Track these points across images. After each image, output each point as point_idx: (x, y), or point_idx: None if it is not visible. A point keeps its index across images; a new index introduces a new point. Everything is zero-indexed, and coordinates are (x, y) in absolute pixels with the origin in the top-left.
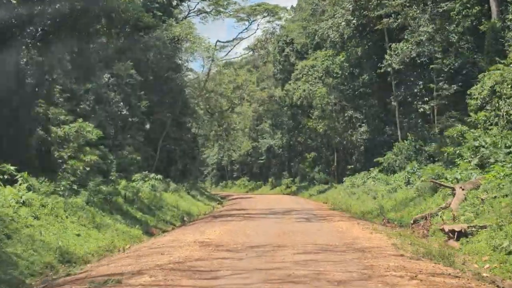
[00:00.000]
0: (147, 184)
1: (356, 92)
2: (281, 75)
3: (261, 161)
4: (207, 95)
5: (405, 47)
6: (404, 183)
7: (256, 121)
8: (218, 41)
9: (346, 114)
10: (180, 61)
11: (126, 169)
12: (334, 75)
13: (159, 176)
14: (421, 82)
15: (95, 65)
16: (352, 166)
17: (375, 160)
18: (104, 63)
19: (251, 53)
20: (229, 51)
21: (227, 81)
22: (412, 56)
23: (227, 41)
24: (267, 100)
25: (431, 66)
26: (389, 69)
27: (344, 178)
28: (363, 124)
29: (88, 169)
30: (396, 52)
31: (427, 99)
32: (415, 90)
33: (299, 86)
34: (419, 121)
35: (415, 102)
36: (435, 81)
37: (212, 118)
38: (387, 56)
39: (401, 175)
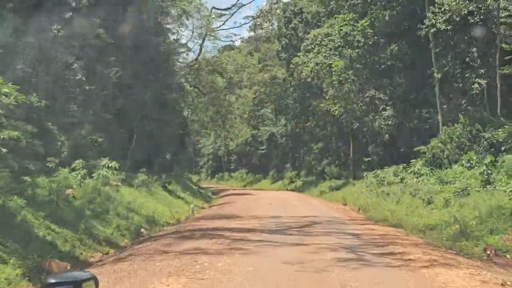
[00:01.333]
0: (97, 175)
1: (382, 67)
2: (286, 54)
3: (261, 151)
4: (200, 71)
5: (453, 2)
6: (481, 182)
7: (257, 106)
8: (214, 7)
9: (367, 95)
10: (168, 26)
11: (82, 154)
12: (355, 44)
13: (114, 164)
14: (474, 49)
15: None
16: (369, 159)
17: (415, 149)
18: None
19: (251, 23)
20: (227, 19)
21: (225, 62)
22: (464, 13)
23: (225, 8)
24: (270, 82)
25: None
26: (429, 32)
27: (365, 173)
28: (388, 107)
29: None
30: (442, 9)
31: (483, 71)
32: (467, 60)
33: (310, 59)
34: (467, 101)
35: (468, 75)
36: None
37: (205, 99)
38: (429, 15)
39: (462, 170)
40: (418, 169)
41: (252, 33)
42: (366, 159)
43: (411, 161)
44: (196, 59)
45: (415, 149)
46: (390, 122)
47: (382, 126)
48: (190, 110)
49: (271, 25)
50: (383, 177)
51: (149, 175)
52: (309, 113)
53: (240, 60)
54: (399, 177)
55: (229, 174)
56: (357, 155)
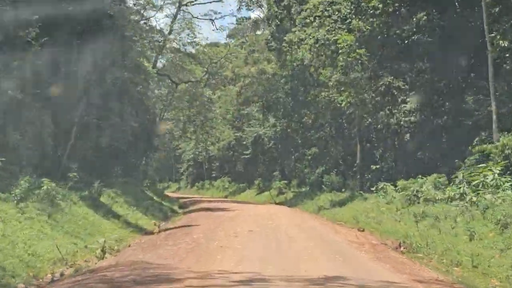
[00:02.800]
0: None
1: (404, 43)
2: (276, 42)
3: (246, 156)
4: (172, 53)
5: None
6: None
7: (242, 105)
8: None
9: (381, 82)
10: None
11: None
12: (370, 11)
13: None
14: None
15: None
16: (377, 166)
17: (473, 148)
18: None
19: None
20: None
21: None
22: None
23: None
24: (257, 78)
25: None
26: None
27: (381, 184)
28: (409, 99)
29: None
30: None
31: None
32: None
33: (309, 35)
34: None
35: None
36: None
37: (179, 92)
38: None
39: None
40: (492, 179)
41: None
42: (374, 167)
43: (482, 166)
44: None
45: (473, 148)
46: (412, 118)
47: (401, 122)
48: (162, 106)
49: (261, 8)
50: (417, 191)
51: (62, 183)
52: (304, 108)
53: (222, 53)
54: (450, 191)
55: (210, 182)
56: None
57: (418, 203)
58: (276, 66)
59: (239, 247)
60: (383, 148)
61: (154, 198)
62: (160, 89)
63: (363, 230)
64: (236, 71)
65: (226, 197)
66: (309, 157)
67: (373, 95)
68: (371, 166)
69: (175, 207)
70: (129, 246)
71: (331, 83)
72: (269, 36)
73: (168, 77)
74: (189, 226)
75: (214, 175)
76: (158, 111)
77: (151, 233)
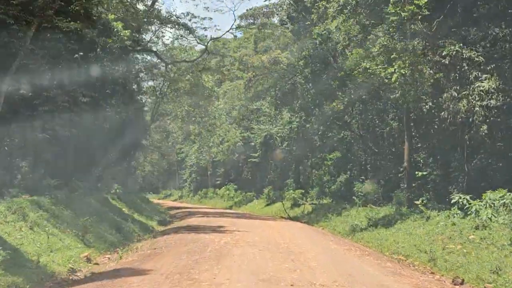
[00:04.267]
0: None
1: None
2: (294, 23)
3: (254, 160)
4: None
5: None
6: None
7: (250, 100)
8: None
9: (445, 52)
10: None
11: None
12: None
13: None
14: None
15: None
16: (426, 173)
17: None
18: None
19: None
20: None
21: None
22: None
23: None
24: (269, 68)
25: None
26: None
27: (458, 196)
28: (486, 75)
29: None
30: None
31: None
32: None
33: None
34: None
35: None
36: None
37: (174, 74)
38: None
39: None
40: None
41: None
42: (421, 173)
43: None
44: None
45: None
46: (492, 102)
47: (475, 108)
48: (154, 97)
49: None
50: None
51: None
52: (328, 99)
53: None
54: None
55: (214, 191)
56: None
57: None
58: (294, 47)
59: None
60: (447, 146)
61: (126, 211)
62: (147, 74)
63: (462, 283)
64: (245, 59)
65: (229, 208)
66: (330, 162)
67: (431, 71)
68: (423, 172)
69: (153, 223)
70: None
71: (376, 49)
72: (285, 17)
73: (156, 54)
74: (130, 272)
75: (218, 182)
76: (148, 102)
77: None
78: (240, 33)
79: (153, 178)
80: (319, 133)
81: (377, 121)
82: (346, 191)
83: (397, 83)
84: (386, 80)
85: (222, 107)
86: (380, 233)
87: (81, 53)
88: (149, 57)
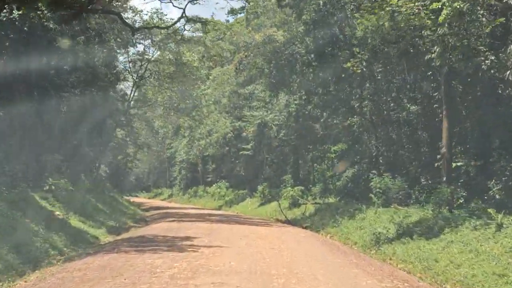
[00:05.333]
0: None
1: None
2: None
3: (247, 153)
4: None
5: None
6: None
7: (242, 86)
8: None
9: None
10: None
11: None
12: None
13: None
14: None
15: None
16: (461, 164)
17: None
18: None
19: None
20: None
21: None
22: None
23: None
24: (262, 48)
25: None
26: None
27: None
28: None
29: None
30: None
31: None
32: None
33: None
34: None
35: None
36: None
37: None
38: None
39: None
40: None
41: None
42: (458, 164)
43: None
44: None
45: None
46: None
47: None
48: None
49: None
50: None
51: None
52: (335, 74)
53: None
54: None
55: (204, 189)
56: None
57: None
58: (293, 19)
59: None
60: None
61: (59, 214)
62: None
63: None
64: (236, 39)
65: (220, 208)
66: (334, 155)
67: (483, 12)
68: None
69: (99, 232)
70: None
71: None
72: None
73: (119, 17)
74: None
75: (209, 179)
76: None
77: None
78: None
79: (144, 176)
80: (322, 119)
81: (391, 104)
82: (354, 187)
83: (445, 26)
84: (418, 20)
85: (210, 93)
86: (421, 247)
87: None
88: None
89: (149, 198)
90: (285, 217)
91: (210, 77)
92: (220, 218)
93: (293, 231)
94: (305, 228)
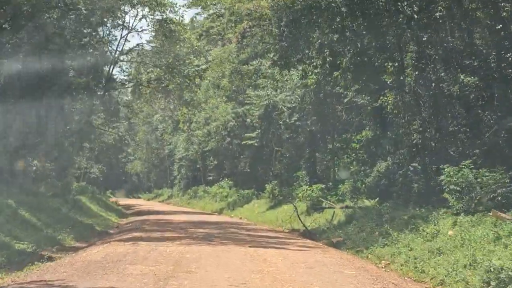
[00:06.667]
0: None
1: None
2: None
3: (252, 143)
4: None
5: None
6: None
7: (245, 63)
8: None
9: None
10: None
11: None
12: None
13: None
14: None
15: None
16: None
17: None
18: None
19: None
20: None
21: None
22: None
23: None
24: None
25: None
26: None
27: None
28: None
29: None
30: None
31: None
32: None
33: None
34: None
35: None
36: None
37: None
38: None
39: None
40: None
41: None
42: None
43: None
44: None
45: None
46: None
47: None
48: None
49: None
50: None
51: None
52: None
53: None
54: None
55: (205, 189)
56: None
57: None
58: None
59: None
60: None
61: None
62: None
63: None
64: (237, 8)
65: (220, 211)
66: (358, 145)
67: None
68: None
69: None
70: None
71: None
72: None
73: None
74: None
75: (210, 178)
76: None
77: None
78: None
79: (143, 176)
80: (345, 99)
81: (442, 74)
82: (389, 185)
83: None
84: None
85: (208, 75)
86: None
87: None
88: None
89: (148, 199)
90: (304, 226)
91: (209, 58)
92: (210, 231)
93: (328, 261)
94: (336, 244)
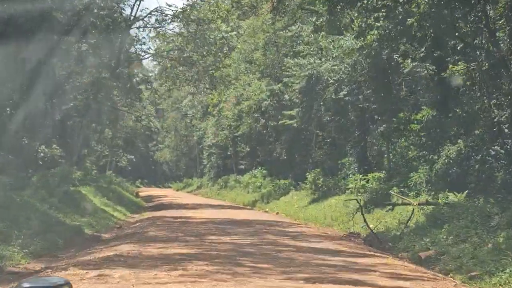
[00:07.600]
0: None
1: None
2: None
3: (290, 123)
4: None
5: None
6: None
7: (282, 29)
8: None
9: None
10: None
11: None
12: None
13: None
14: None
15: None
16: None
17: None
18: None
19: None
20: None
21: None
22: None
23: None
24: None
25: None
26: None
27: None
28: None
29: None
30: None
31: None
32: None
33: None
34: None
35: None
36: None
37: None
38: None
39: None
40: None
41: None
42: None
43: None
44: None
45: None
46: None
47: None
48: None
49: None
50: None
51: None
52: None
53: None
54: None
55: (236, 178)
56: None
57: None
58: None
59: None
60: None
61: None
62: None
63: None
64: None
65: (253, 204)
66: (418, 127)
67: None
68: None
69: None
70: None
71: None
72: None
73: None
74: None
75: (242, 166)
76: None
77: None
78: None
79: (173, 165)
80: (406, 70)
81: None
82: (462, 174)
83: None
84: None
85: (239, 47)
86: None
87: None
88: None
89: (177, 189)
90: (370, 230)
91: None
92: (239, 241)
93: None
94: (425, 260)
